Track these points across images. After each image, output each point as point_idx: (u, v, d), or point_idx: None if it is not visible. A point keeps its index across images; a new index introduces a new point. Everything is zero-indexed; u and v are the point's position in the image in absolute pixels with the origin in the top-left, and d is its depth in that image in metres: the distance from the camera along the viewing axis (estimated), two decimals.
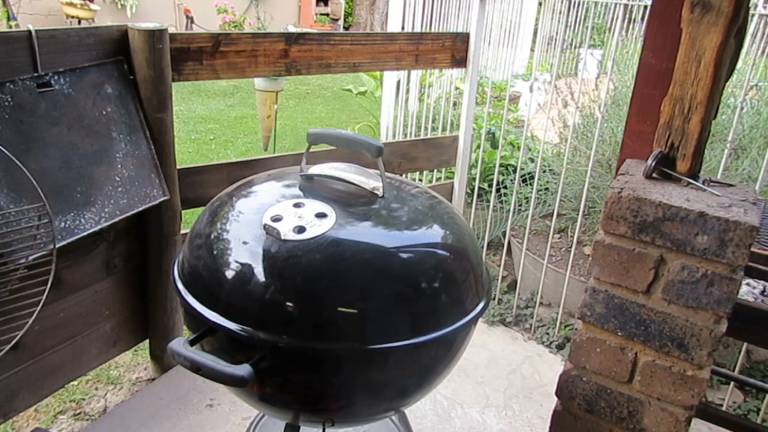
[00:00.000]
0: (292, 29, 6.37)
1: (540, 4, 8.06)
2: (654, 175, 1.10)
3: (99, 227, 1.61)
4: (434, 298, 1.12)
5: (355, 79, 6.30)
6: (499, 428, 1.99)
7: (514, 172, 3.01)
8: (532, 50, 8.20)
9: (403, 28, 3.93)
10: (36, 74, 1.51)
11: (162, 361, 2.12)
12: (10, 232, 1.35)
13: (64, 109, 1.57)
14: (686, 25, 1.03)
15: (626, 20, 4.03)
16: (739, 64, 2.02)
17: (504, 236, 3.05)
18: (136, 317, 2.01)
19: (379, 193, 1.22)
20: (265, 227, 1.10)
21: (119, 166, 1.69)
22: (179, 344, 1.02)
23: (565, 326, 2.57)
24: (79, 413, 1.96)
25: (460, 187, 2.82)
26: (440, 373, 1.23)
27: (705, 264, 0.98)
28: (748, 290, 2.11)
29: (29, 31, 1.49)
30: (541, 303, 2.67)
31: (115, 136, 1.69)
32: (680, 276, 1.00)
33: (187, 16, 9.03)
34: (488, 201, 3.04)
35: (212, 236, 1.17)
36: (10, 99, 1.45)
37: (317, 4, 11.67)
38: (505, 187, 3.38)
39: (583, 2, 6.07)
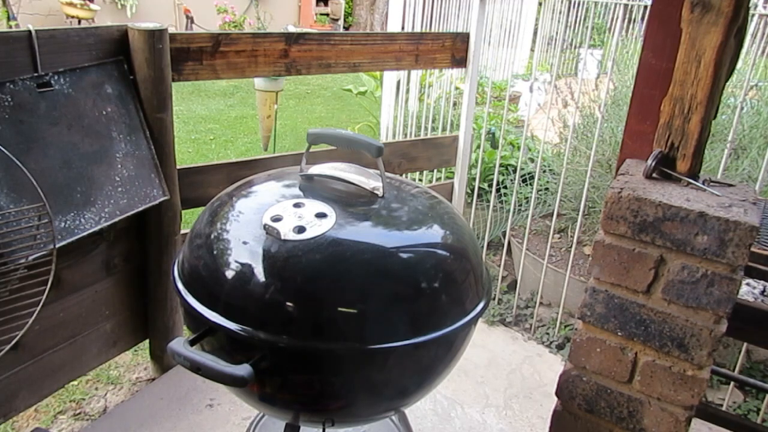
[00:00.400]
0: (292, 29, 6.37)
1: (540, 4, 8.05)
2: (654, 175, 1.10)
3: (99, 227, 1.61)
4: (434, 298, 1.12)
5: (355, 79, 6.30)
6: (499, 428, 1.99)
7: (514, 172, 3.01)
8: (532, 50, 8.20)
9: (403, 28, 3.93)
10: (36, 74, 1.51)
11: (162, 361, 2.12)
12: (10, 232, 1.35)
13: (64, 109, 1.57)
14: (686, 25, 1.03)
15: (626, 20, 4.03)
16: (739, 64, 2.02)
17: (504, 236, 3.05)
18: (136, 317, 2.01)
19: (379, 193, 1.22)
20: (265, 227, 1.10)
21: (119, 166, 1.69)
22: (179, 344, 1.01)
23: (565, 326, 2.57)
24: (79, 413, 1.96)
25: (460, 187, 2.82)
26: (440, 373, 1.23)
27: (705, 264, 0.98)
28: (748, 290, 2.11)
29: (29, 31, 1.49)
30: (541, 303, 2.67)
31: (115, 136, 1.69)
32: (680, 276, 1.00)
33: (187, 16, 9.03)
34: (488, 201, 3.04)
35: (212, 236, 1.17)
36: (10, 99, 1.45)
37: (317, 4, 11.67)
38: (505, 187, 3.38)
39: (583, 2, 6.08)
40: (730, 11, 0.98)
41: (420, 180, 3.47)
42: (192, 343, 1.05)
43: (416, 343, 1.09)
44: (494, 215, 3.15)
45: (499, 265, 3.03)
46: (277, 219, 1.11)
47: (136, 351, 2.23)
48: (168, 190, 1.83)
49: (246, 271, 1.09)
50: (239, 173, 2.04)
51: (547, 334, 2.55)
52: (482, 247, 2.93)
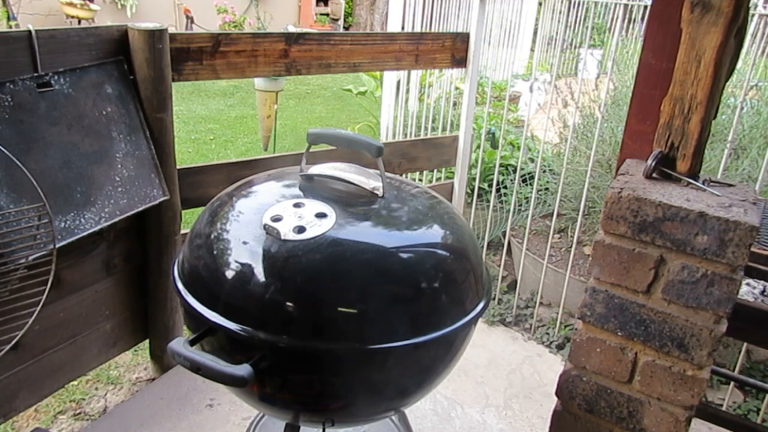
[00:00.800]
0: (292, 29, 6.37)
1: (540, 4, 8.06)
2: (654, 175, 1.10)
3: (99, 227, 1.61)
4: (434, 298, 1.12)
5: (355, 79, 6.30)
6: (499, 428, 1.99)
7: (514, 172, 3.01)
8: (532, 50, 8.20)
9: (403, 28, 3.93)
10: (36, 74, 1.51)
11: (162, 361, 2.12)
12: (10, 232, 1.35)
13: (64, 109, 1.57)
14: (686, 25, 1.03)
15: (626, 20, 4.03)
16: (739, 64, 2.02)
17: (504, 236, 3.05)
18: (136, 317, 2.01)
19: (379, 193, 1.22)
20: (265, 227, 1.10)
21: (119, 166, 1.69)
22: (179, 344, 1.01)
23: (565, 326, 2.57)
24: (79, 413, 1.96)
25: (460, 187, 2.82)
26: (440, 373, 1.23)
27: (705, 264, 0.98)
28: (748, 290, 2.11)
29: (29, 31, 1.49)
30: (541, 303, 2.67)
31: (115, 136, 1.69)
32: (680, 276, 1.00)
33: (187, 16, 9.03)
34: (488, 201, 3.04)
35: (212, 236, 1.17)
36: (10, 99, 1.45)
37: (317, 4, 11.67)
38: (505, 187, 3.38)
39: (583, 2, 6.08)
40: (730, 11, 0.98)
41: (420, 180, 3.47)
42: (192, 343, 1.05)
43: (416, 343, 1.09)
44: (494, 215, 3.15)
45: (499, 265, 3.03)
46: (277, 219, 1.11)
47: (136, 351, 2.23)
48: (168, 190, 1.83)
49: (246, 271, 1.09)
50: (239, 173, 2.04)
51: (547, 334, 2.55)
52: (482, 247, 2.93)
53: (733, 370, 2.13)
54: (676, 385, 1.05)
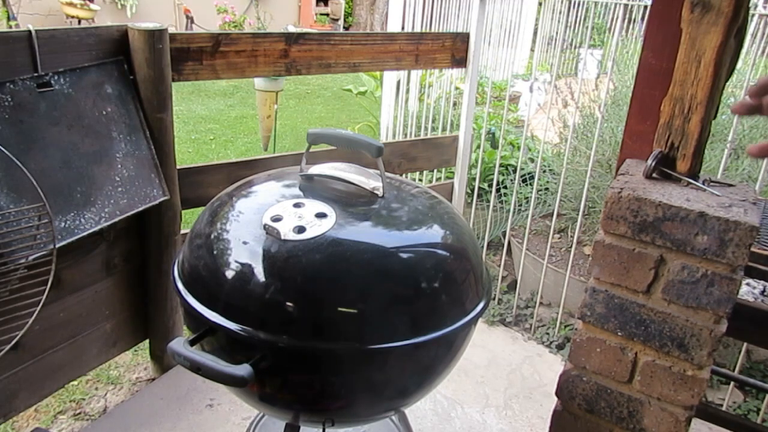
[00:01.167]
0: (292, 29, 6.37)
1: (540, 4, 8.06)
2: (654, 175, 1.10)
3: (99, 227, 1.61)
4: (434, 298, 1.12)
5: (355, 79, 6.30)
6: (499, 428, 1.99)
7: (514, 172, 3.01)
8: (532, 50, 8.20)
9: (403, 28, 3.93)
10: (36, 74, 1.51)
11: (162, 361, 2.12)
12: (10, 232, 1.35)
13: (64, 109, 1.57)
14: (686, 25, 1.03)
15: (626, 20, 4.03)
16: (739, 64, 2.02)
17: (504, 236, 3.05)
18: (136, 317, 2.01)
19: (379, 193, 1.22)
20: (265, 227, 1.10)
21: (119, 166, 1.69)
22: (179, 344, 1.01)
23: (565, 326, 2.57)
24: (79, 413, 1.96)
25: (460, 187, 2.82)
26: (440, 373, 1.23)
27: (705, 264, 0.98)
28: (748, 290, 2.11)
29: (29, 31, 1.49)
30: (541, 303, 2.67)
31: (115, 136, 1.69)
32: (680, 276, 1.00)
33: (187, 16, 9.03)
34: (488, 201, 3.04)
35: (212, 236, 1.17)
36: (10, 99, 1.45)
37: (317, 4, 11.68)
38: (505, 187, 3.38)
39: (583, 2, 6.07)
40: (730, 11, 0.98)
41: (420, 180, 3.47)
42: (192, 343, 1.05)
43: (416, 343, 1.08)
44: (494, 215, 3.15)
45: (499, 265, 3.03)
46: (277, 219, 1.11)
47: (136, 351, 2.23)
48: (168, 190, 1.83)
49: (246, 271, 1.09)
50: (239, 173, 2.04)
51: (547, 334, 2.55)
52: (482, 247, 2.93)
53: (733, 370, 2.13)
54: (676, 385, 1.05)
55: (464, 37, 2.57)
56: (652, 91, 1.12)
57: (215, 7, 8.85)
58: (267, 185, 1.32)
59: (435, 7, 5.14)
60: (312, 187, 1.26)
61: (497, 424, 2.01)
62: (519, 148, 3.47)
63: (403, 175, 2.63)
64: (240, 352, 1.08)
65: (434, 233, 1.22)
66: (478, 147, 3.26)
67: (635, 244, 1.03)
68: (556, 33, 7.41)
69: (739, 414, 2.18)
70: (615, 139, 2.80)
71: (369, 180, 1.25)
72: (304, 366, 1.10)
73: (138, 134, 1.75)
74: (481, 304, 1.21)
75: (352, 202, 1.21)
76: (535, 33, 8.05)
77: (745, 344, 2.10)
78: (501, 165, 3.26)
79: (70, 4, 7.57)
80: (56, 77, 1.56)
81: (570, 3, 6.40)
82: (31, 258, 1.38)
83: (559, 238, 3.05)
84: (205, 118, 5.91)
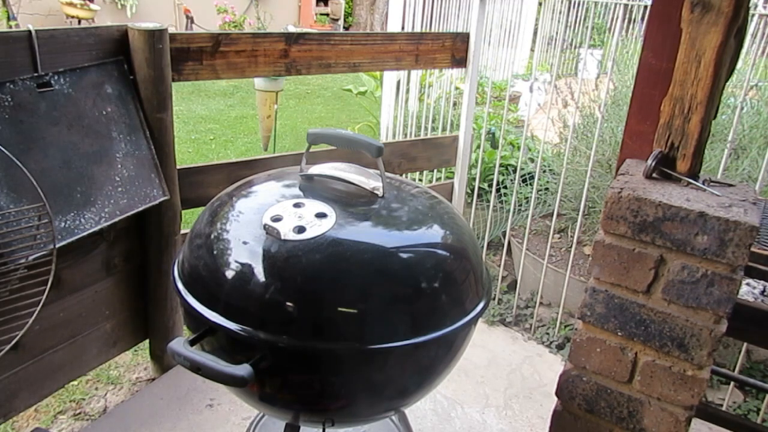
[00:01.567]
0: (292, 29, 6.37)
1: (540, 4, 8.06)
2: (654, 175, 1.10)
3: (99, 227, 1.61)
4: (434, 298, 1.12)
5: (355, 79, 6.30)
6: (499, 428, 1.99)
7: (514, 172, 3.01)
8: (532, 50, 8.20)
9: (403, 28, 3.93)
10: (36, 74, 1.51)
11: (162, 361, 2.12)
12: (10, 232, 1.35)
13: (64, 109, 1.57)
14: (686, 25, 1.03)
15: (626, 20, 4.03)
16: (739, 64, 2.02)
17: (504, 236, 3.05)
18: (136, 317, 2.01)
19: (379, 193, 1.22)
20: (265, 227, 1.10)
21: (119, 166, 1.69)
22: (179, 344, 1.02)
23: (565, 326, 2.57)
24: (79, 413, 1.96)
25: (460, 187, 2.82)
26: (440, 373, 1.23)
27: (705, 264, 0.98)
28: (748, 290, 2.11)
29: (29, 31, 1.49)
30: (541, 303, 2.67)
31: (115, 136, 1.69)
32: (680, 276, 1.00)
33: (187, 16, 9.03)
34: (488, 201, 3.04)
35: (212, 236, 1.17)
36: (10, 99, 1.45)
37: (317, 4, 11.67)
38: (505, 187, 3.38)
39: (583, 2, 6.07)
40: (730, 11, 0.98)
41: (420, 180, 3.47)
42: (192, 343, 1.05)
43: (416, 343, 1.09)
44: (494, 215, 3.15)
45: (499, 265, 3.03)
46: (277, 219, 1.11)
47: (136, 351, 2.23)
48: (168, 190, 1.83)
49: (246, 271, 1.09)
50: (239, 173, 2.04)
51: (547, 334, 2.55)
52: (482, 247, 2.93)
53: (733, 370, 2.13)
54: (676, 385, 1.05)
55: (464, 37, 2.57)
56: (652, 91, 1.12)
57: (215, 7, 8.85)
58: (267, 185, 1.32)
59: (435, 7, 5.14)
60: (312, 187, 1.26)
61: (497, 424, 2.01)
62: (519, 148, 3.47)
63: (403, 175, 2.63)
64: (240, 352, 1.08)
65: (434, 233, 1.22)
66: (478, 147, 3.26)
67: (635, 244, 1.03)
68: (556, 33, 7.41)
69: (739, 414, 2.18)
70: (615, 139, 2.80)
71: (369, 180, 1.25)
72: (304, 366, 1.10)
73: (138, 134, 1.75)
74: (481, 304, 1.21)
75: (352, 202, 1.21)
76: (535, 33, 8.05)
77: (745, 344, 2.10)
78: (501, 165, 3.26)
79: (70, 4, 7.57)
80: (56, 77, 1.56)
81: (570, 3, 6.40)
82: (31, 258, 1.38)
83: (559, 238, 3.05)
84: (205, 118, 5.91)
